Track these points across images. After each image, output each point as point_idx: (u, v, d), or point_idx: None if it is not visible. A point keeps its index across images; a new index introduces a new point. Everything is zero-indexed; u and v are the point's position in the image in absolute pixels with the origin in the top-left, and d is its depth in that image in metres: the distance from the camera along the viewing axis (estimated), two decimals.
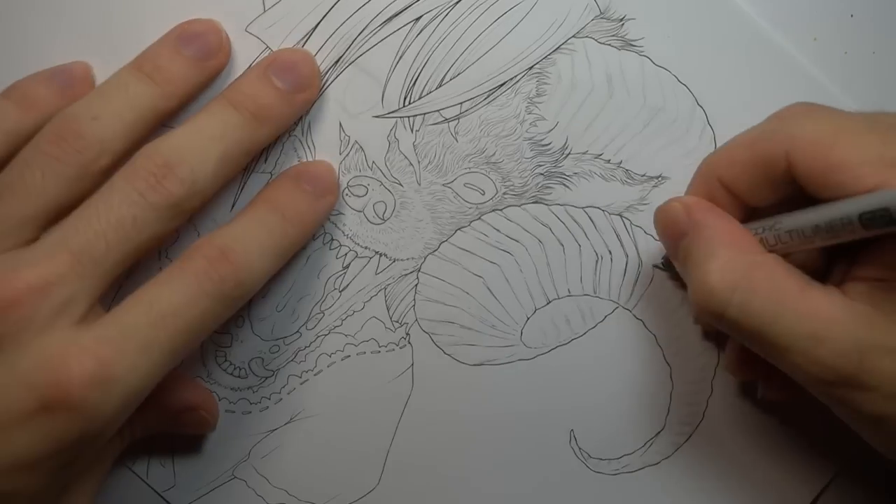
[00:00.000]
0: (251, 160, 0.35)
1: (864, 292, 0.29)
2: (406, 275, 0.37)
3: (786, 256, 0.30)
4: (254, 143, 0.34)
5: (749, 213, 0.32)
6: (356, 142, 0.36)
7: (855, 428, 0.30)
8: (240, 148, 0.33)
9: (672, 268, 0.36)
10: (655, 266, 0.36)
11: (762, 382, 0.34)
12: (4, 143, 0.33)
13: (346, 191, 0.36)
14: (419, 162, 0.36)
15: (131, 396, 0.30)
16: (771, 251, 0.30)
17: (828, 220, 0.28)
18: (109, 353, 0.29)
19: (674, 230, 0.32)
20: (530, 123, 0.36)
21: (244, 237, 0.32)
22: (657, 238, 0.36)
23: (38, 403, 0.29)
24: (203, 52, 0.34)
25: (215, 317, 0.32)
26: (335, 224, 0.36)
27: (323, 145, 0.36)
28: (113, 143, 0.32)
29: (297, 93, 0.34)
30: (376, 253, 0.37)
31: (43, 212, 0.31)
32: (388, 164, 0.36)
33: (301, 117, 0.36)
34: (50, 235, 0.31)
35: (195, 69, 0.34)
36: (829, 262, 0.32)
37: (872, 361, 0.27)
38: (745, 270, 0.29)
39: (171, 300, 0.30)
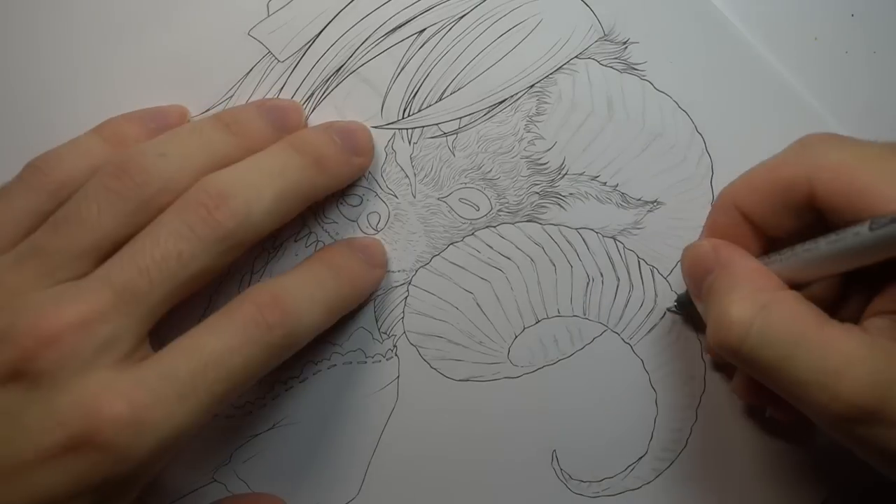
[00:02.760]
0: (305, 207, 0.34)
1: (883, 327, 0.29)
2: (396, 287, 0.37)
3: (802, 289, 0.30)
4: (312, 188, 0.33)
5: (768, 244, 0.32)
6: None
7: (876, 465, 0.29)
8: (298, 189, 0.32)
9: (685, 310, 0.35)
10: (669, 310, 0.36)
11: (770, 406, 0.34)
12: (89, 177, 0.32)
13: (341, 199, 0.36)
14: (415, 174, 0.36)
15: (166, 442, 0.29)
16: (789, 283, 0.30)
17: (841, 236, 0.28)
18: (144, 397, 0.29)
19: (700, 268, 0.32)
20: (528, 142, 0.36)
21: (296, 287, 0.32)
22: (649, 263, 0.36)
23: (67, 442, 0.28)
24: (282, 123, 0.34)
25: (260, 365, 0.31)
26: (327, 231, 0.36)
27: None
28: (177, 182, 0.31)
29: (354, 156, 0.35)
30: None
31: (97, 246, 0.31)
32: (383, 174, 0.36)
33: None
34: (97, 271, 0.30)
35: (273, 133, 0.34)
36: (845, 300, 0.32)
37: (894, 397, 0.27)
38: (765, 304, 0.29)
39: (215, 347, 0.30)
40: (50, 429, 0.28)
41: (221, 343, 0.30)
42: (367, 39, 0.36)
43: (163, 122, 0.35)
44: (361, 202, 0.36)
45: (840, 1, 0.36)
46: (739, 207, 0.31)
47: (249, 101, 0.36)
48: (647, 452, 0.36)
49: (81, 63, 0.36)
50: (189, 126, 0.33)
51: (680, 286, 0.36)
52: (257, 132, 0.33)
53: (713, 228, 0.33)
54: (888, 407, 0.27)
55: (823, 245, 0.29)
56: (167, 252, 0.30)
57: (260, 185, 0.31)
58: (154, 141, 0.32)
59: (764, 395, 0.33)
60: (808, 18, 0.36)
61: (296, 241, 0.36)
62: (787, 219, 0.31)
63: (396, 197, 0.36)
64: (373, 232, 0.36)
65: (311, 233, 0.36)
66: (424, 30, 0.35)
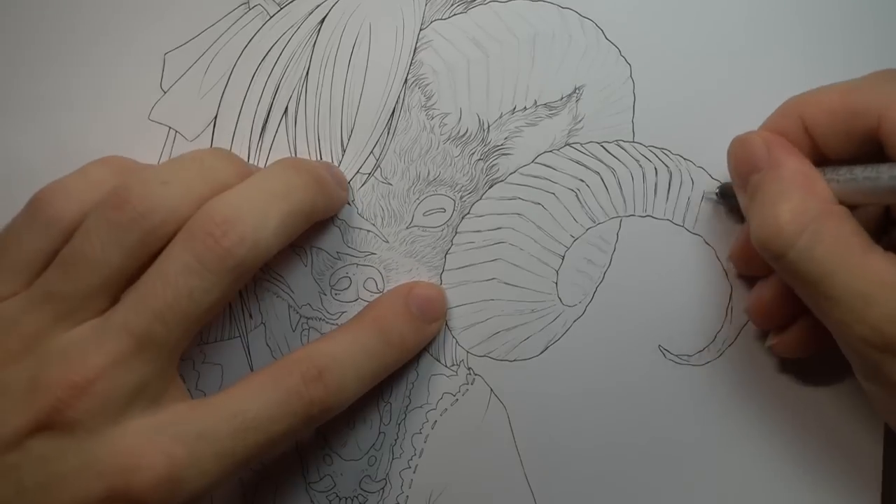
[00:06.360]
0: (307, 228, 0.34)
1: None
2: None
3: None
4: (314, 208, 0.33)
5: (820, 161, 0.31)
6: (312, 247, 0.36)
7: (881, 400, 0.29)
8: (301, 210, 0.32)
9: (727, 199, 0.35)
10: (709, 198, 0.35)
11: (773, 332, 0.34)
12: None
13: (333, 291, 0.36)
14: (374, 224, 0.36)
15: (197, 497, 0.30)
16: (839, 200, 0.30)
17: None
18: (182, 456, 0.29)
19: (749, 162, 0.31)
20: (439, 125, 0.36)
21: (344, 359, 0.32)
22: (610, 140, 0.35)
23: (104, 493, 0.29)
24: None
25: (295, 434, 0.32)
26: (339, 325, 0.36)
27: (291, 271, 0.36)
28: (180, 211, 0.31)
29: (341, 189, 0.35)
30: None
31: (109, 283, 0.31)
32: (350, 245, 0.36)
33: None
34: (114, 315, 0.30)
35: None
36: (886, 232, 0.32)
37: None
38: (817, 216, 0.28)
39: (257, 414, 0.30)
40: (88, 480, 0.29)
41: (264, 411, 0.31)
42: (249, 147, 0.36)
43: None
44: (351, 282, 0.36)
45: (840, 1, 0.35)
46: (803, 119, 0.31)
47: None
48: (733, 288, 0.36)
49: None
50: (189, 154, 0.33)
51: (656, 139, 0.35)
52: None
53: (771, 129, 0.32)
54: None
55: (886, 177, 0.28)
56: (178, 292, 0.30)
57: (265, 207, 0.31)
58: (154, 168, 0.32)
59: (774, 321, 0.34)
60: (809, 18, 0.35)
61: None
62: (846, 143, 0.30)
63: (375, 253, 0.36)
64: (378, 293, 0.36)
65: None
66: (287, 107, 0.36)
